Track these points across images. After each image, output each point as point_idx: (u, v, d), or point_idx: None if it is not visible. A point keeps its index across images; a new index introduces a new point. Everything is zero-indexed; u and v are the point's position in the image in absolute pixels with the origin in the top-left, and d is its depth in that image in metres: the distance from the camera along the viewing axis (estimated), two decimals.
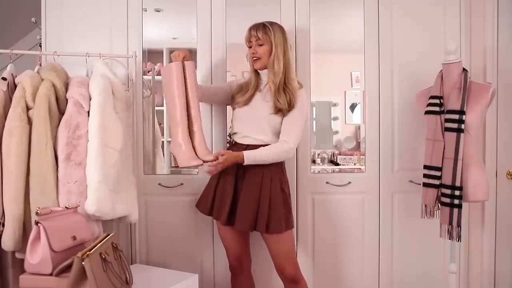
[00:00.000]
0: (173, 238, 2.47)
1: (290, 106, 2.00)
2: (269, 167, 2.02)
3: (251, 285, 2.26)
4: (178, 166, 2.04)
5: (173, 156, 2.06)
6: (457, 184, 1.99)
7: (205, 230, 2.46)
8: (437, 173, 2.07)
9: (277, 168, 2.07)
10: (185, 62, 2.05)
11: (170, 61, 2.10)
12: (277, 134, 2.06)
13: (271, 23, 2.06)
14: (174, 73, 2.02)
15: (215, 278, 2.48)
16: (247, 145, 2.05)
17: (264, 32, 2.03)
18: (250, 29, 2.06)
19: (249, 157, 1.96)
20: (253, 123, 2.06)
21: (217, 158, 1.93)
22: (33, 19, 2.85)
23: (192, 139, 2.02)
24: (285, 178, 2.11)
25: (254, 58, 2.06)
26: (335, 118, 2.71)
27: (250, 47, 2.08)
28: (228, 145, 2.30)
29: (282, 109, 2.00)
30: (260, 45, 2.04)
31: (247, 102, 2.08)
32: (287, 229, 2.01)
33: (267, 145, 2.03)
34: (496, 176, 2.50)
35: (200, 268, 2.47)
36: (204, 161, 1.97)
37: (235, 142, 2.12)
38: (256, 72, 2.12)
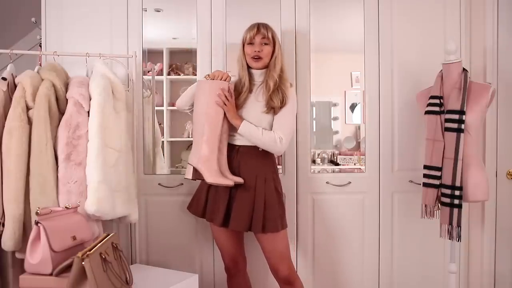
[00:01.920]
0: (173, 238, 2.47)
1: (282, 103, 2.01)
2: (263, 167, 2.03)
3: (248, 285, 2.26)
4: (195, 179, 2.01)
5: (195, 169, 1.99)
6: (457, 184, 1.99)
7: (205, 230, 2.45)
8: (437, 173, 2.07)
9: (271, 167, 2.07)
10: (230, 83, 2.04)
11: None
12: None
13: (269, 25, 2.07)
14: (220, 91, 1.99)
15: (215, 278, 2.49)
16: (240, 146, 2.05)
17: (271, 32, 2.04)
18: (258, 27, 2.03)
19: (246, 126, 1.98)
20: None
21: (243, 180, 1.98)
22: (33, 19, 2.85)
23: (218, 156, 2.00)
24: (278, 178, 2.11)
25: (257, 57, 2.03)
26: (335, 118, 2.71)
27: (250, 44, 2.04)
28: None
29: (275, 108, 2.00)
30: (266, 44, 2.03)
31: (241, 105, 2.06)
32: (282, 228, 2.02)
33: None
34: (496, 176, 2.50)
35: (200, 268, 2.47)
36: (236, 182, 1.95)
37: (228, 144, 2.10)
38: (249, 73, 2.09)
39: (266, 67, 2.06)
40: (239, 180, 1.96)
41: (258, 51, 2.02)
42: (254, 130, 1.99)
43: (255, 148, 2.03)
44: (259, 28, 2.02)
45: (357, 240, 2.49)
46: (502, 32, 2.49)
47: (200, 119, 2.00)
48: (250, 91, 2.08)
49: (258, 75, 2.08)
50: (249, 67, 2.08)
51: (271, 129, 2.02)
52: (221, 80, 2.00)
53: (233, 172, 2.02)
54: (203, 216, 2.11)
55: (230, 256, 2.17)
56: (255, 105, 2.05)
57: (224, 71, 2.06)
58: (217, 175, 1.94)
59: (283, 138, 1.98)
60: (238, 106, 2.06)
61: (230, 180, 1.94)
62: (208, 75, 2.06)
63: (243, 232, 2.15)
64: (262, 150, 2.03)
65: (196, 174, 2.00)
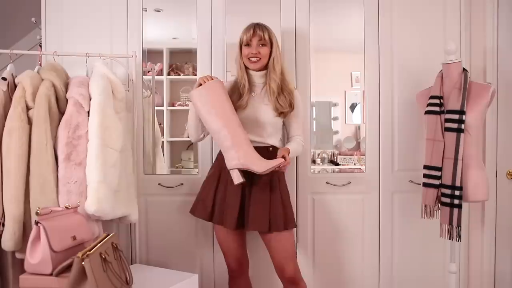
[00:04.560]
0: (173, 238, 2.47)
1: (291, 107, 2.05)
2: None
3: (250, 287, 2.25)
4: (243, 181, 1.92)
5: (240, 170, 1.90)
6: (457, 184, 1.99)
7: (205, 230, 2.46)
8: (437, 173, 2.07)
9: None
10: (221, 80, 2.03)
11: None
12: (278, 135, 2.10)
13: (266, 25, 2.07)
14: (222, 91, 1.95)
15: (215, 278, 2.49)
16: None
17: (268, 33, 2.03)
18: (254, 28, 2.02)
19: (291, 152, 2.03)
20: (256, 126, 2.03)
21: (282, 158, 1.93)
22: (33, 19, 2.85)
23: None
24: (284, 177, 2.12)
25: (255, 59, 2.02)
26: (335, 118, 2.71)
27: (246, 45, 2.03)
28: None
29: (284, 112, 2.03)
30: (263, 45, 2.02)
31: (244, 106, 2.03)
32: (296, 225, 2.05)
33: (269, 146, 2.04)
34: (496, 176, 2.50)
35: (200, 268, 2.47)
36: (284, 158, 1.92)
37: None
38: (248, 74, 2.07)
39: (265, 68, 2.06)
40: (281, 159, 1.91)
41: (255, 53, 2.01)
42: (295, 148, 2.07)
43: (266, 148, 2.03)
44: (255, 30, 2.02)
45: (357, 240, 2.49)
46: (502, 32, 2.49)
47: (215, 127, 1.93)
48: (251, 91, 2.07)
49: (258, 76, 2.08)
50: (247, 68, 2.07)
51: (279, 130, 2.09)
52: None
53: (247, 173, 1.96)
54: (211, 220, 2.06)
55: (235, 258, 2.13)
56: (263, 108, 2.04)
57: (206, 74, 2.03)
58: (264, 161, 1.88)
59: (303, 140, 2.15)
60: (241, 107, 2.03)
61: (275, 160, 1.89)
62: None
63: (246, 234, 2.15)
64: (273, 150, 2.04)
65: (245, 173, 1.92)
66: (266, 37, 2.01)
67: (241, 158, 1.89)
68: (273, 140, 2.07)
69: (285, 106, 2.02)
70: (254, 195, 1.98)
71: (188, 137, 2.17)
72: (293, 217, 2.05)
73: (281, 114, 2.04)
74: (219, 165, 2.08)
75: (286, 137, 2.21)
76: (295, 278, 2.04)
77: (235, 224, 1.98)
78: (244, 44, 2.04)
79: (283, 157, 1.93)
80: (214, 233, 2.25)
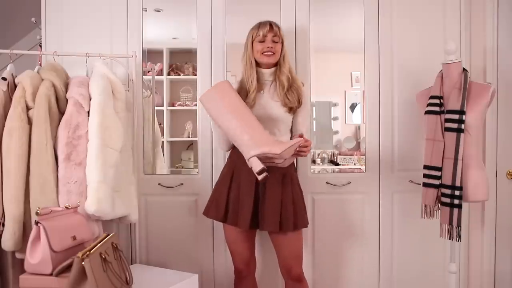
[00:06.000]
0: (173, 238, 2.47)
1: (299, 103, 2.04)
2: (288, 166, 2.00)
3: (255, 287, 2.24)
4: (267, 165, 1.82)
5: (259, 157, 1.81)
6: (457, 184, 1.99)
7: (205, 230, 2.46)
8: (437, 173, 2.07)
9: (293, 166, 2.08)
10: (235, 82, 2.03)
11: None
12: (289, 134, 2.08)
13: None
14: (230, 88, 1.94)
15: (215, 278, 2.49)
16: None
17: (280, 30, 2.04)
18: (270, 25, 2.01)
19: None
20: (266, 123, 1.99)
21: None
22: (33, 19, 2.85)
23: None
24: (297, 175, 2.12)
25: (269, 53, 2.00)
26: (335, 118, 2.71)
27: (261, 42, 2.01)
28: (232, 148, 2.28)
29: (293, 107, 2.02)
30: (275, 42, 2.02)
31: (251, 104, 2.01)
32: (307, 224, 2.04)
33: None
34: (496, 176, 2.50)
35: (200, 268, 2.47)
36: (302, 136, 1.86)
37: None
38: (257, 72, 2.05)
39: (275, 65, 2.05)
40: (299, 138, 1.85)
41: (271, 47, 2.00)
42: None
43: None
44: (272, 25, 2.01)
45: (357, 240, 2.49)
46: (502, 32, 2.49)
47: (230, 124, 1.88)
48: (260, 89, 2.06)
49: (267, 74, 2.06)
50: (257, 66, 2.05)
51: (289, 129, 2.07)
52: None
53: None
54: (224, 221, 2.04)
55: (243, 259, 2.12)
56: (273, 104, 2.03)
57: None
58: (281, 143, 1.83)
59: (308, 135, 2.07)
60: (248, 105, 2.00)
61: (292, 140, 1.84)
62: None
63: (256, 235, 2.14)
64: None
65: (265, 158, 1.82)
66: (280, 34, 2.03)
67: (258, 144, 1.80)
68: (286, 139, 2.05)
69: (293, 101, 2.01)
70: (266, 195, 1.97)
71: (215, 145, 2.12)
72: (304, 216, 2.02)
73: (291, 110, 2.03)
74: (232, 164, 2.07)
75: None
76: (301, 276, 2.05)
77: (249, 224, 1.96)
78: (258, 40, 2.01)
79: (301, 136, 1.86)
80: (215, 231, 2.24)
